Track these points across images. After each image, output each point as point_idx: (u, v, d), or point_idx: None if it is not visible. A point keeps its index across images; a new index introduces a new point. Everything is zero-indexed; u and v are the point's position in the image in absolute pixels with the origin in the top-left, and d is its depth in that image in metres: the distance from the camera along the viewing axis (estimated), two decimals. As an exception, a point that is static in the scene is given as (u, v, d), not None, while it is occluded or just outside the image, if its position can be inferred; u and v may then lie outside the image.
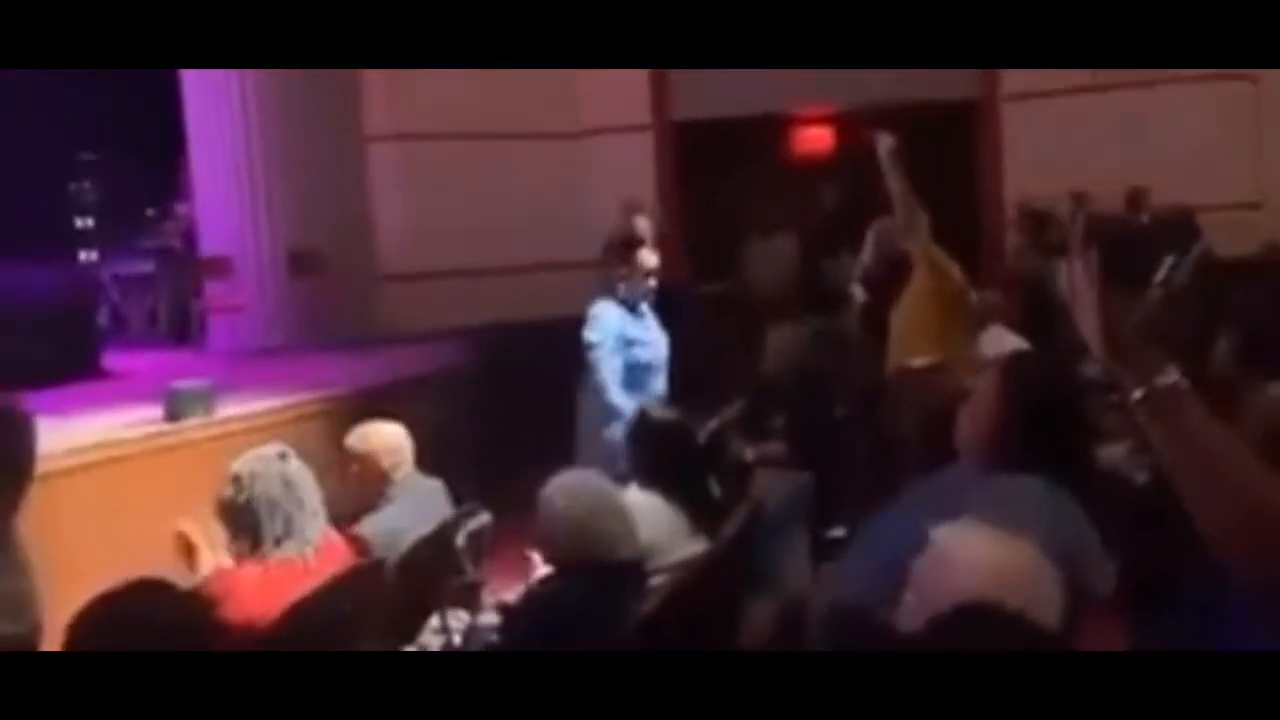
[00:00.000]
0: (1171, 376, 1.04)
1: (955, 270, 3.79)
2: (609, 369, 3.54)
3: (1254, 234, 7.19)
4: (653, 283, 3.84)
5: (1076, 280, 1.11)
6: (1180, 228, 5.94)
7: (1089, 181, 7.03)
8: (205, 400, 3.87)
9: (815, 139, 8.20)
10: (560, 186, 7.43)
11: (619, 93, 7.51)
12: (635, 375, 3.67)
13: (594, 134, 7.60)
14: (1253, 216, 7.31)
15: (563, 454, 3.45)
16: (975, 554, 1.30)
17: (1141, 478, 3.18)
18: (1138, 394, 1.04)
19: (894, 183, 3.62)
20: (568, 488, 2.16)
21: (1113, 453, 3.05)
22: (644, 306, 3.83)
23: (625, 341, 3.66)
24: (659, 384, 3.81)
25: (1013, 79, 7.53)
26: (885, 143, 3.66)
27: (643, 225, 4.28)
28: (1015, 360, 1.95)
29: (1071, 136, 7.23)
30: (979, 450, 1.80)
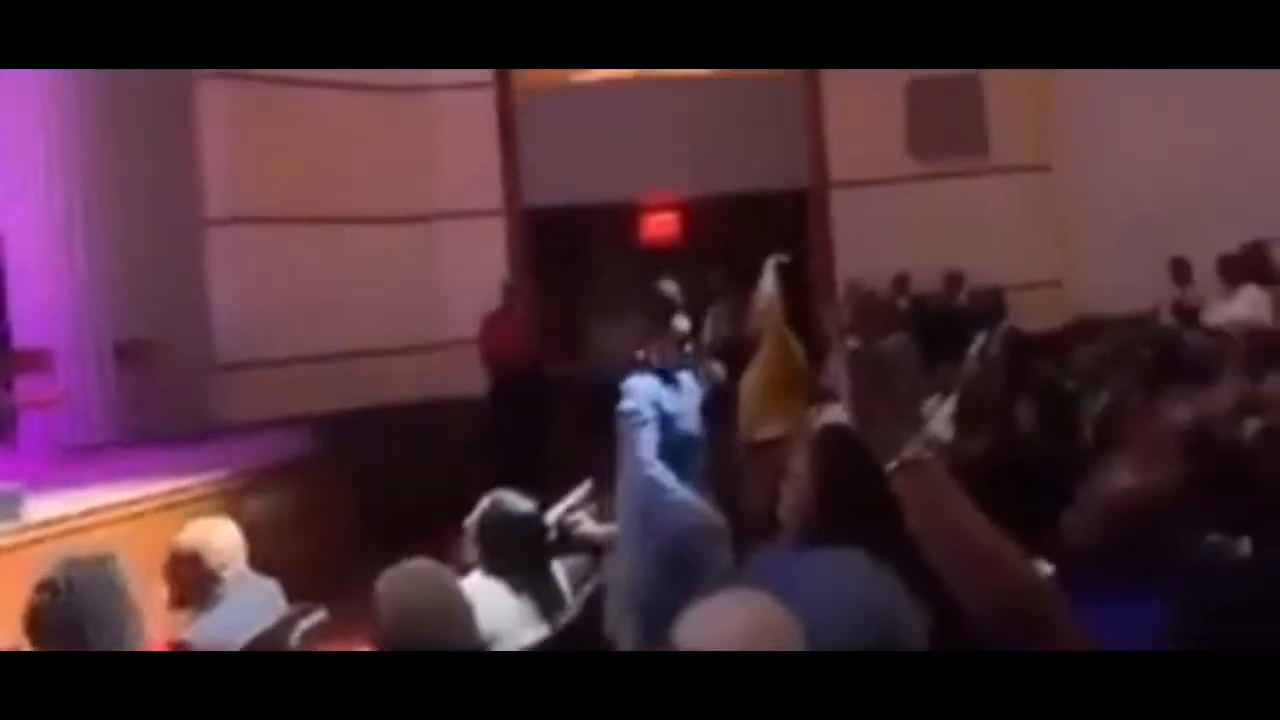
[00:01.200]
0: (916, 449, 1.15)
1: (798, 349, 4.03)
2: (647, 442, 3.31)
3: (1058, 310, 7.96)
4: (689, 348, 3.73)
5: (839, 369, 1.22)
6: (992, 307, 6.49)
7: (912, 265, 7.62)
8: (10, 505, 3.58)
9: (661, 225, 8.51)
10: (408, 271, 7.39)
11: (470, 177, 7.61)
12: (674, 449, 3.43)
13: (444, 218, 7.63)
14: (1056, 294, 8.06)
15: (405, 546, 3.37)
16: (709, 623, 1.29)
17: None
18: (891, 465, 1.14)
19: (766, 281, 3.97)
20: (401, 578, 2.11)
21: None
22: (681, 375, 3.62)
23: (663, 413, 3.43)
24: (699, 457, 3.60)
25: (841, 168, 8.10)
26: (775, 259, 4.02)
27: (672, 289, 4.09)
28: (822, 435, 2.05)
29: (895, 223, 7.79)
30: (796, 525, 1.88)
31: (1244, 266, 6.50)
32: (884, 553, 1.79)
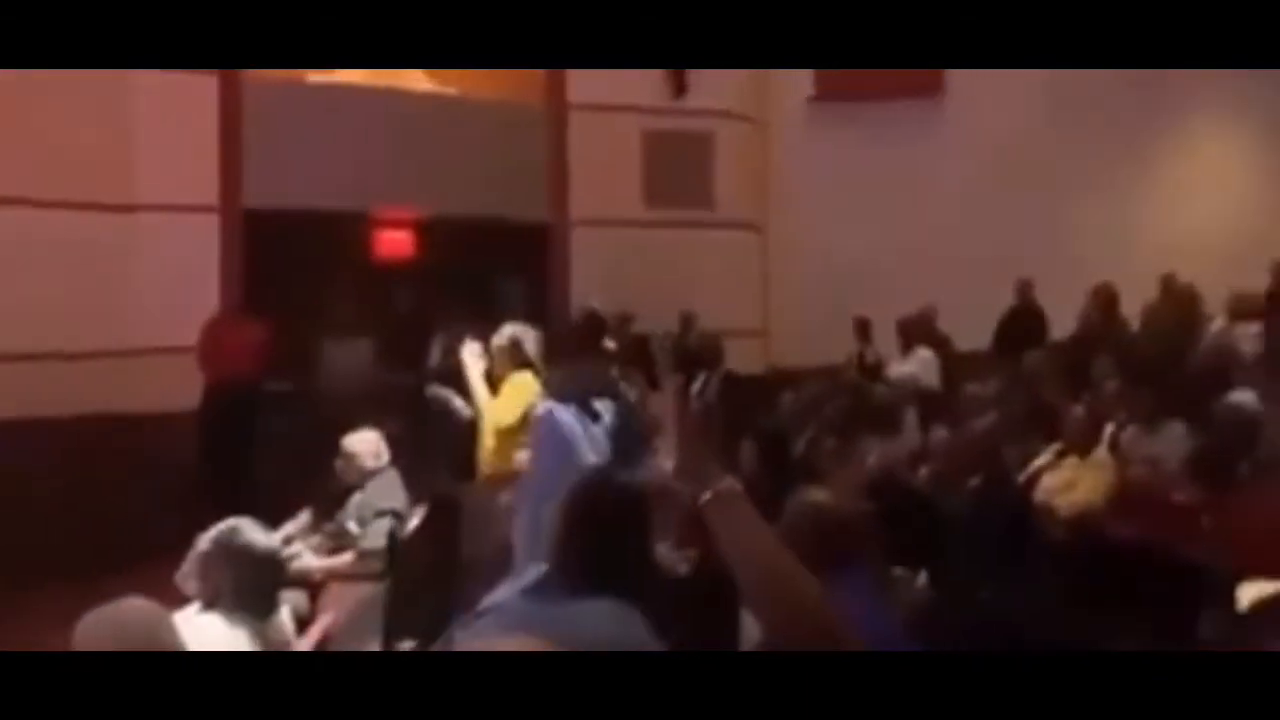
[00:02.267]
0: (728, 482, 1.22)
1: (529, 391, 4.06)
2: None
3: (761, 358, 8.68)
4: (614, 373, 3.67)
5: (665, 407, 1.27)
6: (713, 351, 6.95)
7: (645, 303, 7.87)
8: None
9: (395, 242, 8.23)
10: (99, 265, 6.52)
11: (183, 169, 6.89)
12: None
13: (149, 210, 6.81)
14: (761, 342, 8.80)
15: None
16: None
17: (684, 569, 3.60)
18: (705, 497, 1.21)
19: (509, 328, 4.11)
20: (101, 620, 1.86)
21: (661, 550, 3.39)
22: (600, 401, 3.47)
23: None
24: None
25: (580, 206, 8.31)
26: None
27: (598, 308, 3.89)
28: (575, 485, 2.09)
29: (628, 264, 8.10)
30: (552, 568, 1.90)
31: (918, 329, 7.49)
32: (633, 593, 1.86)
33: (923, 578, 3.65)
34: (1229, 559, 3.45)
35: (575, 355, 3.62)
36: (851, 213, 8.73)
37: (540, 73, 8.66)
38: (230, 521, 2.43)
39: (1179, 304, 6.84)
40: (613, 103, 8.21)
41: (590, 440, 3.33)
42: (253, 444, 6.15)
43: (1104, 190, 8.62)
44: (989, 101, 8.63)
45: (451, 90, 8.16)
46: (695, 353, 7.03)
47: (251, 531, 2.41)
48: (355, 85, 7.37)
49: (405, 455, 4.28)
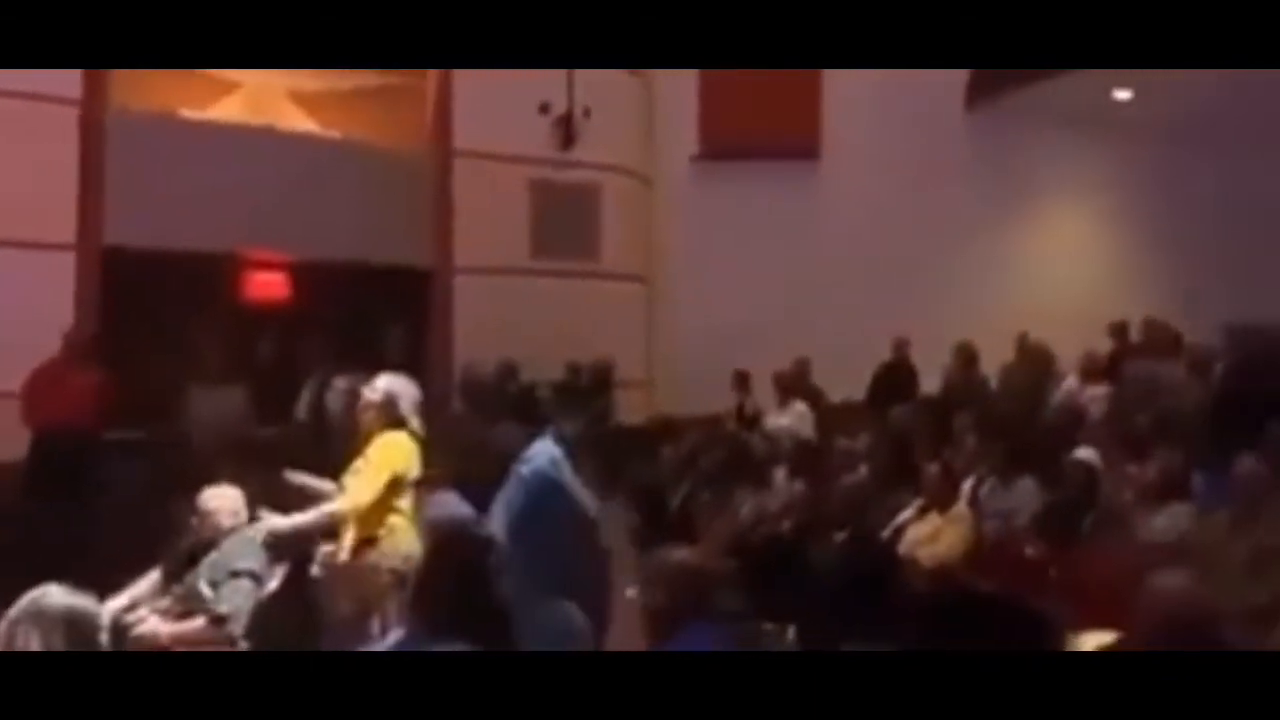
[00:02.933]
0: None
1: (400, 454, 3.88)
2: None
3: (646, 408, 8.75)
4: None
5: None
6: (603, 386, 6.93)
7: (530, 353, 7.81)
8: None
9: (266, 285, 7.96)
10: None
11: (37, 204, 6.48)
12: None
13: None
14: (645, 392, 8.86)
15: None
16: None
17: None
18: None
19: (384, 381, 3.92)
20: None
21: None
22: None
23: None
24: None
25: (465, 253, 8.24)
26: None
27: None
28: (432, 531, 2.14)
29: (513, 313, 8.05)
30: (414, 612, 1.91)
31: (793, 382, 7.68)
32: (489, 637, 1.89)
33: (791, 632, 3.70)
34: (1071, 610, 3.64)
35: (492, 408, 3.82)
36: (733, 268, 8.97)
37: (427, 117, 8.63)
38: (42, 586, 2.25)
39: (1033, 363, 7.25)
40: (499, 151, 8.24)
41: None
42: (88, 497, 5.73)
43: (967, 255, 9.15)
44: (863, 166, 9.07)
45: (334, 133, 8.03)
46: (584, 396, 7.01)
47: (62, 596, 2.23)
48: (230, 123, 7.15)
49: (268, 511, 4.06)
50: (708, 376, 8.19)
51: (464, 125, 8.18)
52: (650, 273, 9.24)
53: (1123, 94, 8.41)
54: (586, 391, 7.19)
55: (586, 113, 8.59)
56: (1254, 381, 5.36)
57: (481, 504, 4.00)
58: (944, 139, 9.19)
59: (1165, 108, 8.49)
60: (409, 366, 4.69)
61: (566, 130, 8.59)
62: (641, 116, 9.09)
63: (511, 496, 3.55)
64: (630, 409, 8.32)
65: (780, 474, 5.68)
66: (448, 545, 2.15)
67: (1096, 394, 6.42)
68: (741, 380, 8.09)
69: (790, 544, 4.29)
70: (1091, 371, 6.74)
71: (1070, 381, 7.01)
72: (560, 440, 3.64)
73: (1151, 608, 2.05)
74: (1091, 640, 3.43)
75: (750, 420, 7.89)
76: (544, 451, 3.59)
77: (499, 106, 7.89)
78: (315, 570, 3.97)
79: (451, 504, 4.28)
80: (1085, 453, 4.81)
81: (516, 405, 6.97)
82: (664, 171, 9.36)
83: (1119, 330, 7.06)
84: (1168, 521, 4.03)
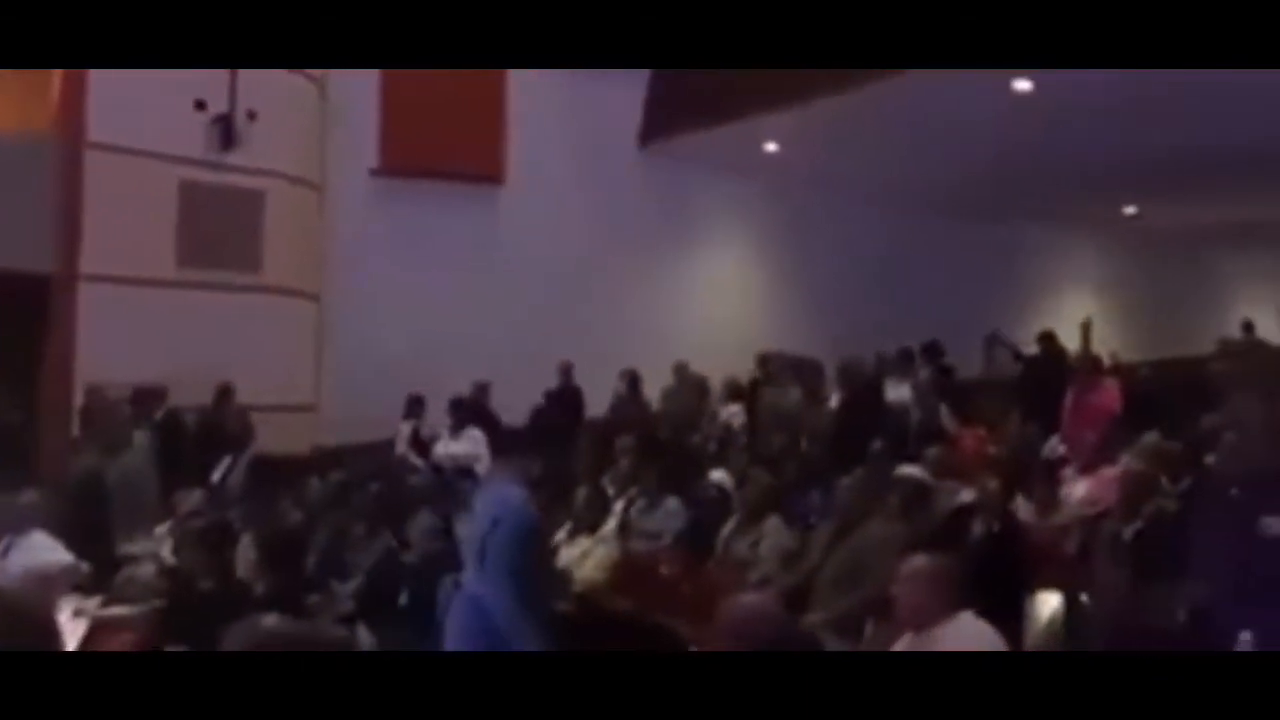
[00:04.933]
0: None
1: None
2: None
3: (311, 434, 8.22)
4: None
5: None
6: (242, 431, 6.39)
7: (166, 373, 7.05)
8: None
9: None
10: None
11: None
12: None
13: None
14: (311, 417, 8.33)
15: None
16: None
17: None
18: None
19: None
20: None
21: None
22: None
23: None
24: None
25: (96, 259, 7.29)
26: None
27: None
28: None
29: (151, 327, 7.25)
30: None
31: (469, 407, 7.59)
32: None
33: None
34: (697, 625, 3.87)
35: None
36: (409, 288, 8.74)
37: (54, 102, 7.58)
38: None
39: (690, 390, 7.77)
40: (143, 147, 7.41)
41: None
42: None
43: (636, 285, 9.66)
44: (542, 194, 9.25)
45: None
46: (219, 434, 6.42)
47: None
48: None
49: None
50: (379, 401, 7.90)
51: (101, 114, 7.27)
52: (321, 290, 8.73)
53: (772, 146, 9.30)
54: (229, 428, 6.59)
55: (251, 115, 7.99)
56: (860, 410, 6.11)
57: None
58: (619, 173, 9.64)
59: (807, 160, 9.52)
60: (22, 379, 4.07)
61: (226, 131, 7.92)
62: (314, 123, 8.60)
63: None
64: (295, 436, 7.79)
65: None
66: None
67: (734, 411, 7.02)
68: (415, 405, 7.88)
69: (422, 579, 4.18)
70: (733, 394, 7.36)
71: (732, 410, 7.57)
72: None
73: (721, 626, 2.19)
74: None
75: (423, 446, 7.70)
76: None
77: (144, 97, 7.07)
78: None
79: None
80: (719, 475, 5.18)
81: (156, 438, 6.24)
82: (339, 183, 8.91)
83: (762, 361, 7.75)
84: (770, 538, 4.42)
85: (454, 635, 3.21)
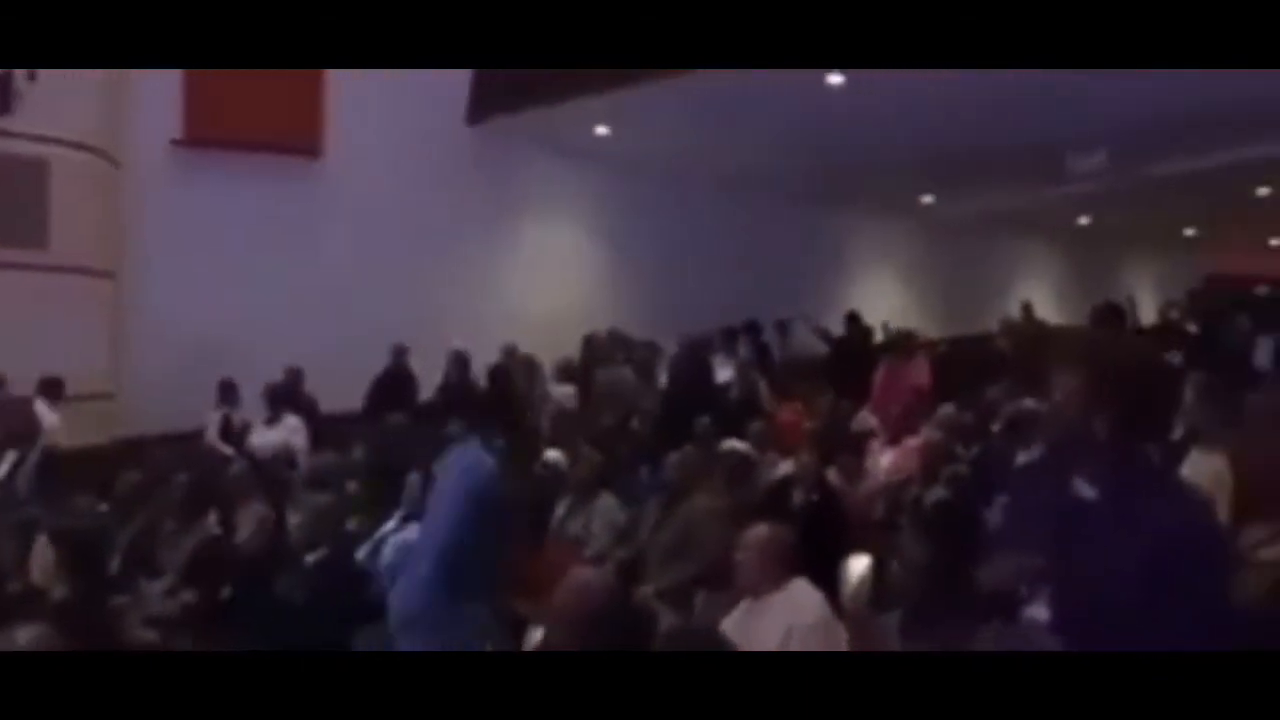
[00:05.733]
0: None
1: None
2: None
3: (109, 425, 7.59)
4: None
5: None
6: (25, 425, 5.84)
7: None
8: None
9: None
10: None
11: None
12: None
13: None
14: (109, 406, 7.70)
15: None
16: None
17: None
18: None
19: None
20: None
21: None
22: None
23: None
24: None
25: None
26: None
27: None
28: None
29: None
30: None
31: (284, 394, 7.25)
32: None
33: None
34: (539, 601, 3.91)
35: None
36: (219, 268, 8.22)
37: None
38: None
39: (522, 370, 7.75)
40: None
41: None
42: None
43: (463, 265, 9.50)
44: (365, 168, 8.90)
45: None
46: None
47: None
48: None
49: None
50: (186, 388, 7.40)
51: None
52: (119, 269, 8.05)
53: (602, 129, 9.36)
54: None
55: (31, 75, 7.23)
56: (688, 388, 6.32)
57: None
58: (447, 150, 9.41)
59: (637, 143, 9.65)
60: None
61: (3, 92, 7.14)
62: (108, 87, 7.88)
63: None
64: (91, 427, 7.17)
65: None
66: None
67: (567, 392, 7.08)
68: (227, 391, 7.45)
69: (254, 571, 4.01)
70: (565, 375, 7.41)
71: (557, 389, 7.62)
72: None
73: (557, 602, 2.24)
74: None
75: (238, 435, 7.30)
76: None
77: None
78: None
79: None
80: (553, 454, 5.22)
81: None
82: (139, 154, 8.22)
83: (586, 342, 7.84)
84: (602, 515, 4.53)
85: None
